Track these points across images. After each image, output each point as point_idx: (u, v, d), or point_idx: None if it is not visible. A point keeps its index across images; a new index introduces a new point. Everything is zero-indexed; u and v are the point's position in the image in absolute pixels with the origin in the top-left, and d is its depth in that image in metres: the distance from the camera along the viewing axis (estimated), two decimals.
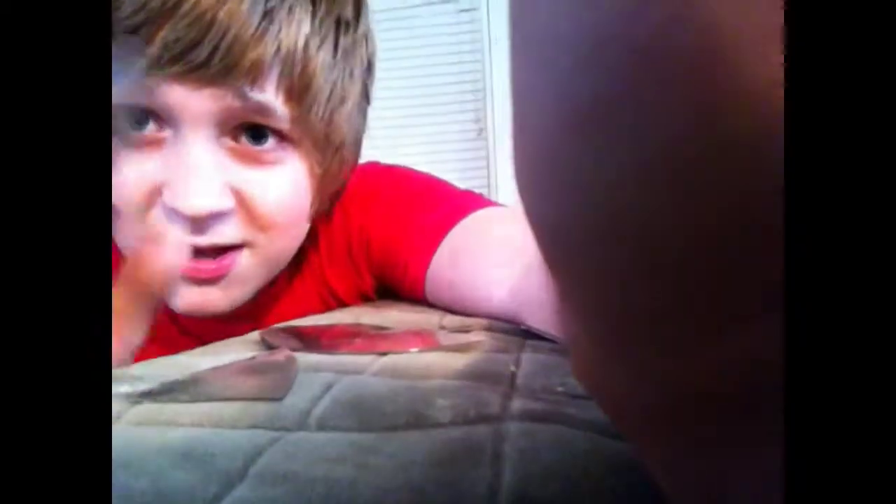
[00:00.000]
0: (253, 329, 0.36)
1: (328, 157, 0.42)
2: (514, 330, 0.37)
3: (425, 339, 0.32)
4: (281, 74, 0.37)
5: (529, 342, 0.33)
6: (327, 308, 0.50)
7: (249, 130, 0.38)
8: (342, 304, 0.51)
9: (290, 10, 0.36)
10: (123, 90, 0.35)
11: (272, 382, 0.24)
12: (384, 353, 0.28)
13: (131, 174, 0.37)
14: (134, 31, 0.33)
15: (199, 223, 0.37)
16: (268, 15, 0.35)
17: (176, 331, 0.46)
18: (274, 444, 0.18)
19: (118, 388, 0.23)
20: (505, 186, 1.82)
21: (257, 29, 0.35)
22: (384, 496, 0.15)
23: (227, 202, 0.37)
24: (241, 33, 0.34)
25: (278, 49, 0.36)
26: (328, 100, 0.40)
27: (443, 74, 2.06)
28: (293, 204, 0.41)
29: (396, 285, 0.48)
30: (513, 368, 0.26)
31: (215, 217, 0.37)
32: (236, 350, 0.29)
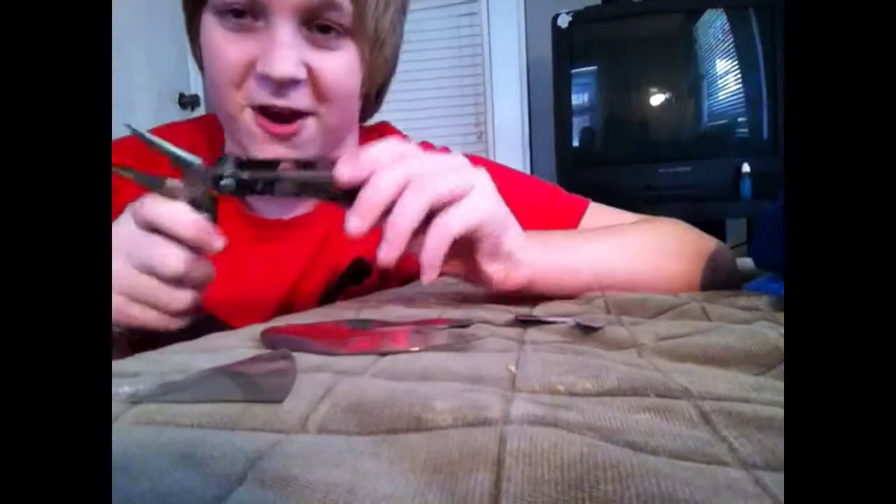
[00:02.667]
0: (306, 240, 0.59)
1: (374, 50, 0.56)
2: (513, 321, 0.37)
3: (425, 337, 0.32)
4: None
5: (529, 339, 0.33)
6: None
7: (318, 27, 0.52)
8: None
9: None
10: None
11: (272, 384, 0.24)
12: (384, 354, 0.28)
13: (234, 52, 0.51)
14: None
15: (281, 87, 0.51)
16: None
17: (245, 225, 0.60)
18: (273, 447, 0.18)
19: (118, 389, 0.23)
20: None
21: None
22: (383, 500, 0.15)
23: (302, 72, 0.51)
24: None
25: None
26: (376, 4, 0.54)
27: (443, 78, 2.06)
28: (348, 81, 0.55)
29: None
30: (513, 369, 0.26)
31: (293, 83, 0.51)
32: (236, 350, 0.29)
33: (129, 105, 1.69)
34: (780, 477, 0.16)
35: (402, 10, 0.59)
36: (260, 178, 0.40)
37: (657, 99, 1.65)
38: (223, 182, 0.39)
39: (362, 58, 0.55)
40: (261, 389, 0.23)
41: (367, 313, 0.41)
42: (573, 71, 1.65)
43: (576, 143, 1.66)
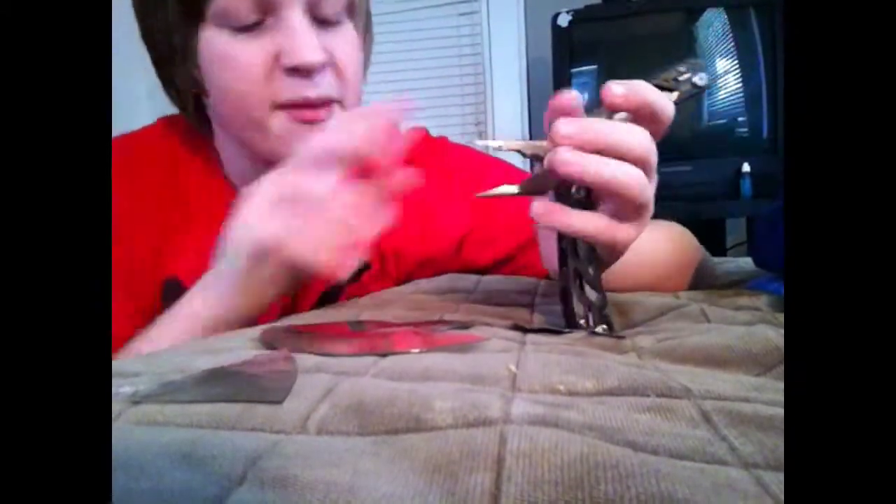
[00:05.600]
0: None
1: (366, 29, 0.57)
2: (513, 324, 0.37)
3: (426, 338, 0.32)
4: None
5: (530, 340, 0.33)
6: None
7: (320, 14, 0.50)
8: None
9: None
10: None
11: (272, 384, 0.24)
12: (384, 355, 0.28)
13: (253, 53, 0.49)
14: None
15: (311, 75, 0.49)
16: None
17: None
18: (273, 447, 0.18)
19: (119, 389, 0.23)
20: None
21: None
22: (383, 500, 0.15)
23: (326, 56, 0.50)
24: None
25: None
26: None
27: (443, 77, 2.06)
28: (358, 61, 0.54)
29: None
30: (513, 369, 0.25)
31: (321, 69, 0.50)
32: (236, 351, 0.29)
33: (130, 106, 1.69)
34: (781, 476, 0.16)
35: None
36: None
37: None
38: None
39: (360, 38, 0.55)
40: (261, 390, 0.23)
41: (368, 314, 0.41)
42: (573, 70, 1.65)
43: None
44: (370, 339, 0.32)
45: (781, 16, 1.46)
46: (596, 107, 0.36)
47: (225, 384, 0.24)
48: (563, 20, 1.62)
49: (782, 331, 0.31)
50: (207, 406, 0.21)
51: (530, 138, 1.98)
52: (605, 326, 0.37)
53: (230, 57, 0.49)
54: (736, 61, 1.55)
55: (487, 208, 0.60)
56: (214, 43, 0.49)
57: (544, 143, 0.36)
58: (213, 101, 0.53)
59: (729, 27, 1.55)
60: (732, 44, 1.55)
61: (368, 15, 0.57)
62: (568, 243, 0.38)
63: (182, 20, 0.49)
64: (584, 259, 0.37)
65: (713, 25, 1.57)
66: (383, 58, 2.04)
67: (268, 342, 0.31)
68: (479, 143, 0.43)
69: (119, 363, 0.27)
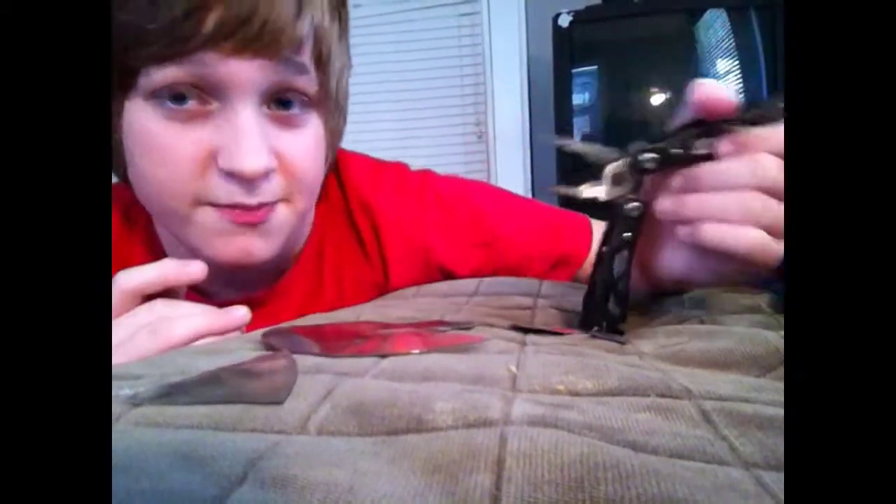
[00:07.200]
0: (269, 316, 0.43)
1: (336, 115, 0.50)
2: (514, 325, 0.37)
3: (426, 339, 0.32)
4: (313, 45, 0.43)
5: (531, 341, 0.33)
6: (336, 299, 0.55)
7: (277, 101, 0.44)
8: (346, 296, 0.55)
9: None
10: (169, 72, 0.40)
11: (272, 385, 0.24)
12: (385, 356, 0.28)
13: (184, 146, 0.41)
14: (187, 16, 0.38)
15: (252, 182, 0.42)
16: None
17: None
18: (274, 448, 0.18)
19: (119, 391, 0.23)
20: (503, 186, 1.82)
21: (297, 6, 0.41)
22: (383, 501, 0.15)
23: (273, 161, 0.43)
24: (286, 10, 0.40)
25: (311, 23, 0.42)
26: (339, 67, 0.47)
27: (444, 78, 2.06)
28: (318, 157, 0.48)
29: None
30: (513, 369, 0.25)
31: (265, 176, 0.43)
32: (236, 352, 0.29)
33: None
34: (781, 476, 0.16)
35: (350, 67, 0.53)
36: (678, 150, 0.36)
37: (658, 99, 1.65)
38: (644, 158, 0.36)
39: (326, 128, 0.49)
40: (261, 391, 0.23)
41: (368, 316, 0.41)
42: (574, 71, 1.65)
43: None
44: (371, 340, 0.32)
45: (782, 16, 1.46)
46: (746, 109, 0.35)
47: (225, 386, 0.24)
48: (564, 21, 1.62)
49: (782, 333, 0.31)
50: (208, 407, 0.21)
51: (530, 138, 1.98)
52: (598, 328, 0.37)
53: (157, 143, 0.42)
54: (737, 62, 1.55)
55: (497, 245, 0.58)
56: (142, 121, 0.42)
57: (610, 153, 0.37)
58: (132, 179, 0.45)
59: (729, 28, 1.55)
60: (733, 44, 1.55)
61: (343, 97, 0.51)
62: (608, 253, 0.37)
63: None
64: (619, 274, 0.37)
65: (714, 26, 1.57)
66: (383, 58, 2.05)
67: (268, 343, 0.31)
68: (555, 142, 0.41)
69: (120, 365, 0.28)
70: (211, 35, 0.38)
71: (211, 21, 0.38)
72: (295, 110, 0.44)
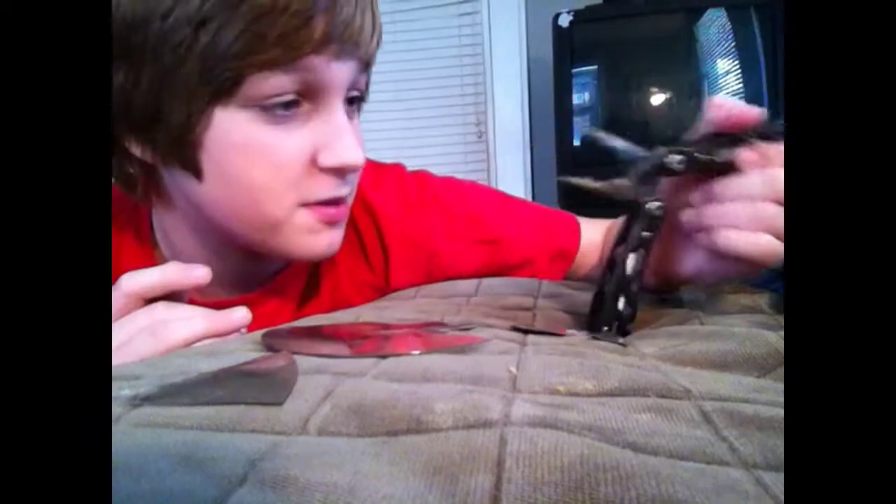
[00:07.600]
0: (262, 317, 0.42)
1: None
2: (514, 326, 0.37)
3: (426, 339, 0.32)
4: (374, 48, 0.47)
5: (531, 342, 0.33)
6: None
7: (348, 101, 0.46)
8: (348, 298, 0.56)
9: None
10: (279, 78, 0.41)
11: (272, 386, 0.24)
12: (385, 356, 0.28)
13: (291, 148, 0.43)
14: (305, 23, 0.40)
15: (346, 177, 0.45)
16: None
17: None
18: (274, 449, 0.18)
19: (119, 391, 0.23)
20: (503, 187, 1.83)
21: (371, 10, 0.44)
22: (383, 501, 0.15)
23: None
24: (368, 15, 0.43)
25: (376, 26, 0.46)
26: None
27: (444, 78, 2.06)
28: None
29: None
30: (513, 370, 0.25)
31: (355, 170, 0.46)
32: (237, 353, 0.29)
33: None
34: (781, 477, 0.16)
35: None
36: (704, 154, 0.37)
37: (658, 99, 1.65)
38: (673, 160, 0.37)
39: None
40: (261, 391, 0.23)
41: (368, 317, 0.41)
42: (574, 70, 1.65)
43: (577, 143, 1.66)
44: (371, 340, 0.32)
45: (782, 15, 1.45)
46: (766, 124, 0.37)
47: (226, 386, 0.24)
48: (564, 20, 1.62)
49: (782, 333, 0.31)
50: (208, 408, 0.21)
51: (530, 138, 1.98)
52: (607, 328, 0.37)
53: (265, 149, 0.42)
54: (737, 62, 1.55)
55: (499, 245, 0.59)
56: (241, 127, 0.41)
57: (638, 152, 0.38)
58: (214, 190, 0.44)
59: (730, 27, 1.55)
60: (733, 44, 1.55)
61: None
62: (624, 252, 0.37)
63: (198, 94, 0.40)
64: (633, 274, 0.37)
65: (714, 25, 1.56)
66: (383, 58, 2.04)
67: (268, 344, 0.31)
68: (571, 180, 0.40)
69: (120, 366, 0.28)
70: (319, 40, 0.40)
71: (319, 27, 0.40)
72: (356, 107, 0.48)
